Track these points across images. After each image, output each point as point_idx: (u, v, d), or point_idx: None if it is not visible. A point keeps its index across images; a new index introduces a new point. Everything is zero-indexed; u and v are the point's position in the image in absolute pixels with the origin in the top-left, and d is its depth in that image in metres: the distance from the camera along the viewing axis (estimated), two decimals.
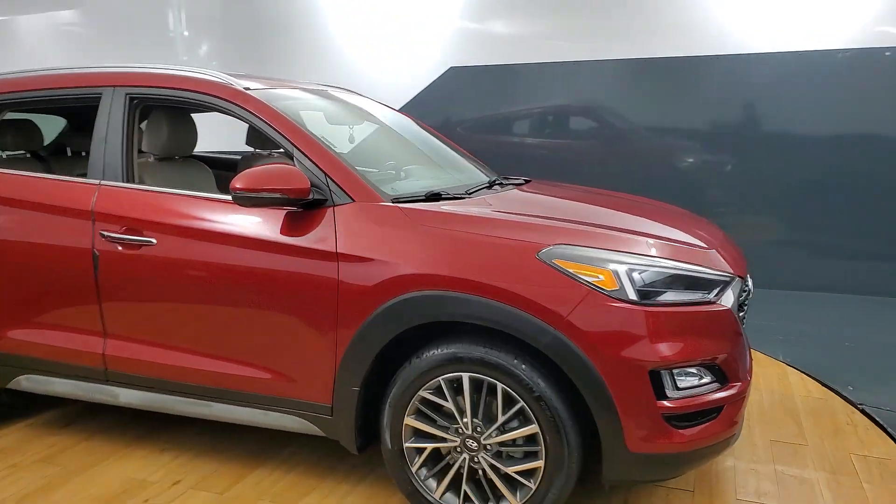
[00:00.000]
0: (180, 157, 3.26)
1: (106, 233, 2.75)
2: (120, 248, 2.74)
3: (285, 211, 2.54)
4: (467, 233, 2.36)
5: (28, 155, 3.75)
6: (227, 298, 2.62)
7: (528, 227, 2.41)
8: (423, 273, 2.33)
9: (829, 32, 5.48)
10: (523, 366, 2.26)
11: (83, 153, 4.13)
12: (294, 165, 2.56)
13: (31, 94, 3.12)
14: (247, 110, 2.71)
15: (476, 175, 3.41)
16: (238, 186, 2.42)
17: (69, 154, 4.15)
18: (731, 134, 5.94)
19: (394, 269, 2.37)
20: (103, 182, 2.85)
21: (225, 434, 3.18)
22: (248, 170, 2.46)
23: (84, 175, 2.93)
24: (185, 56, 7.94)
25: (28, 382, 3.07)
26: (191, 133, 3.23)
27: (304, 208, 2.52)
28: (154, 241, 2.69)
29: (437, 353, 2.36)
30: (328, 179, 2.54)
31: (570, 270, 2.20)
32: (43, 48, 8.43)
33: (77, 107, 3.37)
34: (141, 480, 2.82)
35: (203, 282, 2.64)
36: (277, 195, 2.42)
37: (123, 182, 2.84)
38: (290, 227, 2.52)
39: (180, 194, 2.76)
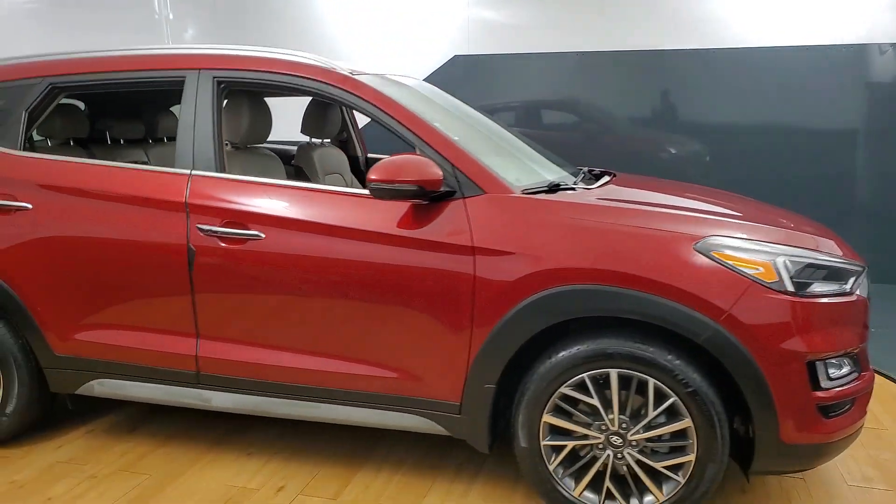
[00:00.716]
0: (251, 146, 3.09)
1: (204, 226, 2.58)
2: (221, 242, 2.57)
3: (409, 204, 2.43)
4: (616, 224, 2.30)
5: (71, 142, 3.49)
6: (347, 295, 2.49)
7: (678, 218, 2.37)
8: (572, 267, 2.27)
9: None
10: (677, 360, 2.23)
11: (121, 140, 3.88)
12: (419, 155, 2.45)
13: (96, 77, 2.88)
14: (358, 97, 2.57)
15: (554, 166, 3.33)
16: (374, 178, 2.30)
17: (109, 141, 3.89)
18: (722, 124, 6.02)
19: (538, 263, 2.29)
20: (194, 172, 2.66)
21: (307, 435, 3.05)
22: (382, 161, 2.34)
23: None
24: (171, 42, 7.56)
25: (101, 387, 2.86)
26: (268, 120, 3.06)
27: (431, 201, 2.42)
28: (263, 235, 2.53)
29: (582, 349, 2.30)
30: (455, 170, 2.43)
31: (730, 262, 2.18)
32: (14, 27, 7.89)
33: (101, 92, 3.17)
34: (241, 488, 2.68)
35: (319, 278, 2.50)
36: (413, 186, 2.31)
37: (216, 172, 2.66)
38: (417, 220, 2.41)
39: (289, 185, 2.62)
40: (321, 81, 2.62)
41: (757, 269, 2.17)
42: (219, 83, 2.73)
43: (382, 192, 2.34)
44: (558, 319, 2.30)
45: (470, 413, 2.46)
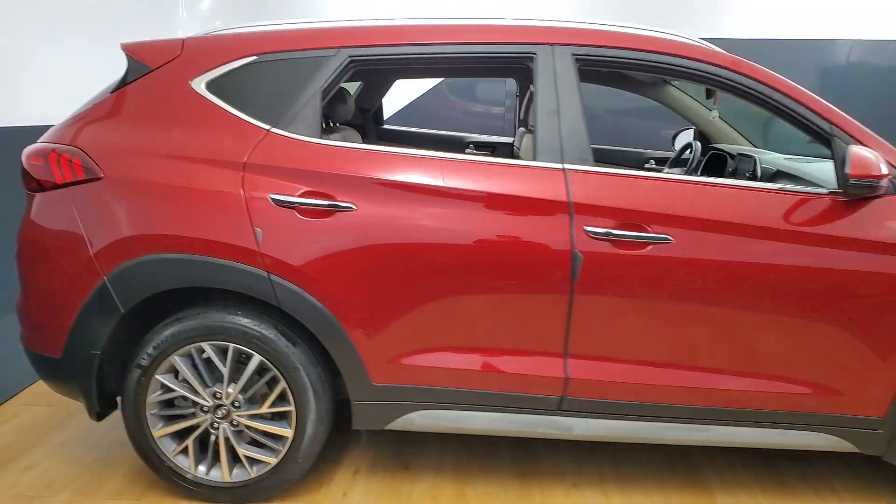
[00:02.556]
0: None
1: (594, 229, 2.21)
2: (613, 247, 2.21)
3: (829, 200, 2.21)
4: None
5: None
6: (776, 305, 2.22)
7: None
8: None
9: None
10: None
11: (335, 123, 3.27)
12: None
13: (405, 51, 2.39)
14: (760, 81, 2.29)
15: None
16: (858, 173, 2.06)
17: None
18: None
19: None
20: (568, 166, 2.28)
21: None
22: (858, 155, 2.09)
23: None
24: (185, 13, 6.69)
25: (423, 419, 2.41)
26: None
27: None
28: (671, 238, 2.20)
29: None
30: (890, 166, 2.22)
31: None
32: None
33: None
34: None
35: (738, 286, 2.22)
36: (885, 182, 2.09)
37: (590, 165, 2.29)
38: (856, 217, 2.19)
39: (693, 181, 2.31)
40: (714, 64, 2.31)
41: None
42: (578, 61, 2.35)
43: (863, 189, 2.10)
44: None
45: (893, 428, 2.29)
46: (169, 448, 2.42)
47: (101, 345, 2.34)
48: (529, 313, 2.28)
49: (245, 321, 2.30)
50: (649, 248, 2.20)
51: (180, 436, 2.43)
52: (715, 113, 3.18)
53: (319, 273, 2.24)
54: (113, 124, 2.37)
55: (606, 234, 2.20)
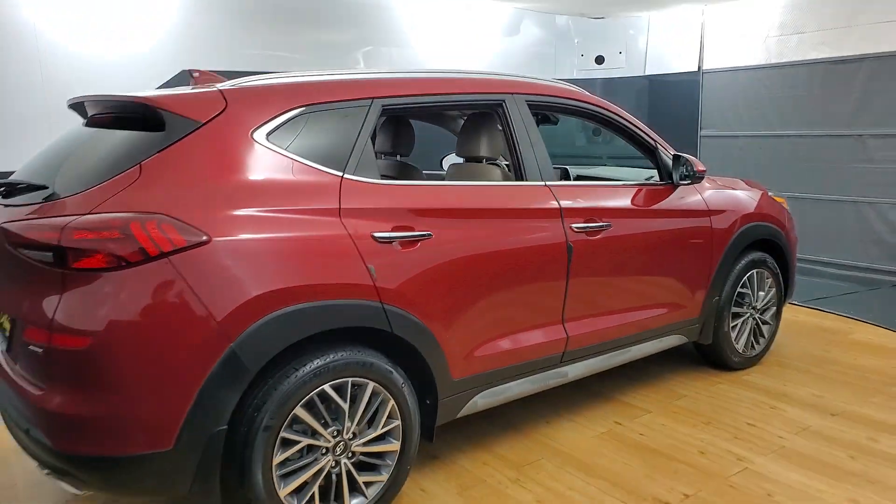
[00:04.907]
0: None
1: (575, 224, 3.09)
2: (587, 236, 3.13)
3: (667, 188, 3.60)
4: None
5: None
6: (653, 258, 3.47)
7: None
8: None
9: None
10: None
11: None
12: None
13: (421, 100, 2.86)
14: (606, 112, 3.46)
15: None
16: (701, 170, 3.44)
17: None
18: None
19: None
20: (548, 182, 3.08)
21: None
22: (696, 160, 3.44)
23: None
24: None
25: (483, 399, 2.92)
26: None
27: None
28: (611, 224, 3.23)
29: None
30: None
31: None
32: None
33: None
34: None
35: (641, 251, 3.39)
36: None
37: (558, 181, 3.16)
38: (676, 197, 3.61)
39: (623, 185, 3.39)
40: (586, 102, 3.40)
41: None
42: (529, 105, 3.16)
43: (697, 180, 3.52)
44: None
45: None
46: None
47: (227, 418, 2.19)
48: (544, 294, 3.04)
49: (359, 355, 2.46)
50: (601, 233, 3.20)
51: (298, 489, 2.40)
52: None
53: (415, 294, 2.57)
54: (181, 184, 2.20)
55: (582, 227, 3.11)
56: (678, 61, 8.59)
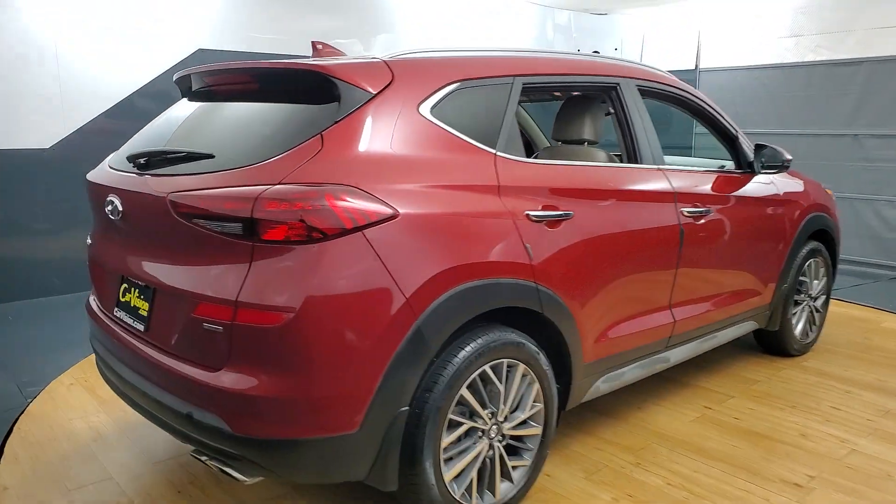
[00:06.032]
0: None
1: (686, 209, 3.10)
2: (693, 220, 3.14)
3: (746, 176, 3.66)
4: None
5: None
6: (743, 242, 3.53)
7: None
8: None
9: None
10: None
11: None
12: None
13: (555, 80, 2.85)
14: (697, 101, 3.50)
15: None
16: (788, 159, 3.49)
17: None
18: None
19: None
20: (662, 167, 3.09)
21: None
22: (783, 150, 3.49)
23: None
24: None
25: (604, 384, 2.89)
26: None
27: None
28: (710, 210, 3.25)
29: None
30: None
31: None
32: None
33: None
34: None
35: (733, 237, 3.43)
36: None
37: (663, 164, 3.15)
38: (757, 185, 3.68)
39: (712, 172, 3.40)
40: (682, 91, 3.42)
41: None
42: (640, 90, 3.15)
43: (783, 168, 3.59)
44: None
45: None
46: (457, 492, 2.30)
47: (409, 399, 2.10)
48: (662, 275, 3.03)
49: (513, 335, 2.39)
50: (704, 217, 3.22)
51: (456, 476, 2.32)
52: None
53: (560, 275, 2.52)
54: (361, 156, 2.09)
55: (692, 212, 3.12)
56: (675, 60, 8.77)
